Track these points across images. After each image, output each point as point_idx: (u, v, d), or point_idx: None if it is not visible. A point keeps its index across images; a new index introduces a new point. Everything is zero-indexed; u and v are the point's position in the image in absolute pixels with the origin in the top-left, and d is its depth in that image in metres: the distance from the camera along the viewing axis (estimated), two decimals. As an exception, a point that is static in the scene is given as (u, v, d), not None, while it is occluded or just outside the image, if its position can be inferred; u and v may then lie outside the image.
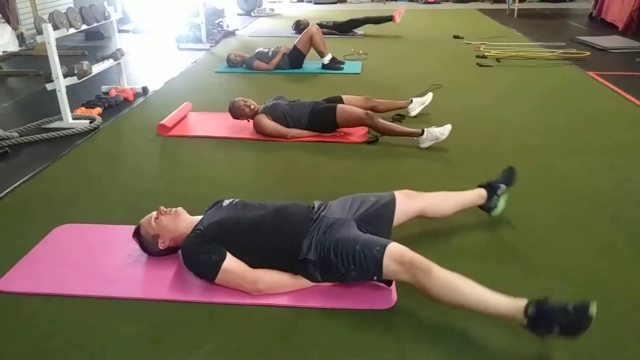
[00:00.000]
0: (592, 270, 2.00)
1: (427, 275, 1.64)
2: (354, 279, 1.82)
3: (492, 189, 2.31)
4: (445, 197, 2.24)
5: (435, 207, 2.18)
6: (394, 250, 1.74)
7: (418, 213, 2.13)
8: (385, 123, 3.30)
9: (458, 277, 1.64)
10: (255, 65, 5.27)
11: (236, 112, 3.53)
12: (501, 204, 2.31)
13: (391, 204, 2.06)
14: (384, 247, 1.75)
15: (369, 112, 3.32)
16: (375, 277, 1.78)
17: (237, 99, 3.55)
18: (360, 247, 1.78)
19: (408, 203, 2.10)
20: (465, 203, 2.26)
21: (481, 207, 2.31)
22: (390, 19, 7.15)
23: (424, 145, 3.16)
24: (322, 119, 3.39)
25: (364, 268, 1.76)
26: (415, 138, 3.19)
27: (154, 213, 2.03)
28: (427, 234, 2.27)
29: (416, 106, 3.77)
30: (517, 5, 9.20)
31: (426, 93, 3.84)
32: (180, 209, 2.05)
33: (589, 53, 5.73)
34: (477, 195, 2.29)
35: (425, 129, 3.15)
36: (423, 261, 1.68)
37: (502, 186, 2.32)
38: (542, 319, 1.51)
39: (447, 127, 3.14)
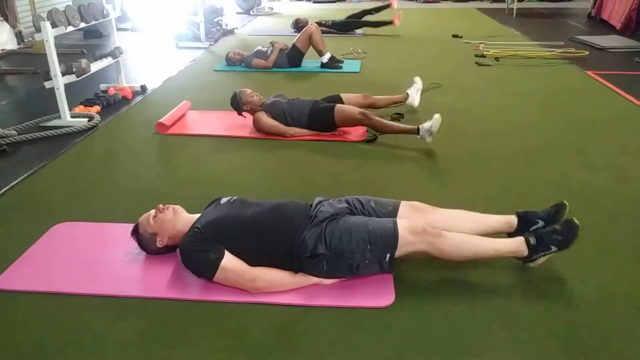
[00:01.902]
0: (591, 269, 2.00)
1: (441, 238, 1.82)
2: (367, 264, 1.84)
3: (525, 222, 2.01)
4: (463, 217, 2.02)
5: (447, 227, 1.91)
6: (406, 222, 1.87)
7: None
8: (382, 121, 3.30)
9: (463, 234, 1.88)
10: (254, 64, 5.27)
11: (243, 100, 3.49)
12: (540, 260, 1.91)
13: (392, 215, 1.98)
14: (394, 222, 1.86)
15: (366, 112, 3.32)
16: (388, 255, 1.82)
17: (243, 89, 3.55)
18: (374, 227, 1.85)
19: (412, 217, 1.95)
20: (488, 228, 2.00)
21: (510, 235, 2.01)
22: (389, 22, 7.14)
23: (428, 140, 3.16)
24: (321, 119, 3.39)
25: (380, 246, 1.82)
26: (417, 136, 3.19)
27: (152, 211, 2.03)
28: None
29: (414, 96, 3.83)
30: (516, 5, 9.20)
31: (411, 84, 3.93)
32: (178, 206, 2.05)
33: (587, 52, 5.73)
34: (505, 222, 2.02)
35: (419, 126, 3.16)
36: (432, 228, 1.85)
37: (540, 222, 2.00)
38: (542, 243, 1.85)
39: (435, 117, 3.12)
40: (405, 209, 2.01)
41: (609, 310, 1.78)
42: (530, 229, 1.99)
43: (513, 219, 2.02)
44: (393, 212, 2.00)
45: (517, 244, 1.88)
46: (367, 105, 3.64)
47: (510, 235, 2.01)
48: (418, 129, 3.16)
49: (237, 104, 3.53)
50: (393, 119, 3.56)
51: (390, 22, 7.13)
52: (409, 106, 3.84)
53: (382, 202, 2.06)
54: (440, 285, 1.91)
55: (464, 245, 1.86)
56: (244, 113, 3.55)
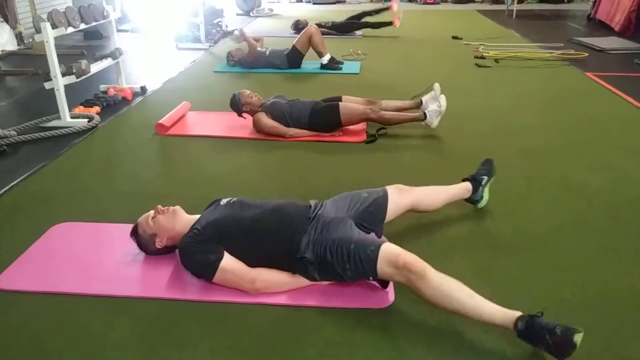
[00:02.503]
0: (590, 269, 2.01)
1: (422, 280, 1.64)
2: (351, 279, 1.83)
3: (476, 182, 2.38)
4: (435, 190, 2.29)
5: (426, 201, 2.22)
6: (389, 252, 1.73)
7: (409, 207, 2.16)
8: (390, 114, 3.32)
9: (453, 283, 1.64)
10: (249, 51, 5.28)
11: (242, 101, 3.48)
12: (486, 195, 2.40)
13: (384, 200, 2.08)
14: (378, 247, 1.75)
15: (372, 107, 3.32)
16: (371, 278, 1.78)
17: (242, 90, 3.54)
18: (355, 247, 1.78)
19: (400, 197, 2.13)
20: (454, 196, 2.33)
21: (468, 200, 2.38)
22: (389, 23, 7.15)
23: (434, 124, 3.15)
24: (325, 118, 3.38)
25: (359, 268, 1.77)
26: (423, 123, 3.18)
27: (152, 212, 2.03)
28: (419, 233, 2.27)
29: (434, 118, 3.34)
30: (515, 6, 9.21)
31: (429, 91, 3.51)
32: (177, 207, 2.05)
33: (587, 54, 5.74)
34: (464, 188, 2.36)
35: (426, 111, 3.15)
36: (417, 265, 1.67)
37: (485, 178, 2.40)
38: (530, 335, 1.55)
39: (442, 97, 3.11)
40: (394, 193, 2.13)
41: (610, 310, 1.78)
42: (482, 184, 2.36)
43: (468, 184, 2.37)
44: (384, 197, 2.08)
45: (505, 320, 1.59)
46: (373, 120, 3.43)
47: (468, 199, 2.36)
48: (424, 114, 3.15)
49: (237, 105, 3.53)
50: (379, 130, 3.42)
51: (390, 23, 7.14)
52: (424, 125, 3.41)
53: (372, 191, 2.13)
54: (439, 286, 1.90)
55: (445, 296, 1.62)
56: (244, 114, 3.55)
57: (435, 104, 3.14)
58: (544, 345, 1.52)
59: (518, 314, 1.58)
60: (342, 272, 1.80)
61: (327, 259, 1.81)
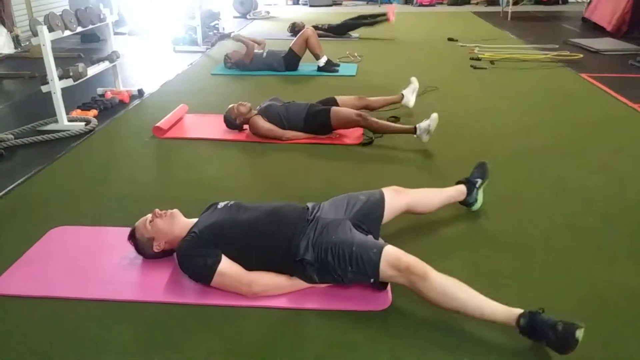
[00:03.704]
0: (586, 270, 2.02)
1: (424, 281, 1.67)
2: (351, 281, 1.83)
3: (471, 184, 2.41)
4: (430, 193, 2.32)
5: (421, 203, 2.24)
6: (391, 254, 1.75)
7: (405, 209, 2.18)
8: (379, 122, 3.32)
9: (455, 283, 1.67)
10: (247, 52, 5.29)
11: (233, 116, 3.50)
12: (480, 198, 2.42)
13: (381, 201, 2.09)
14: (380, 250, 1.76)
15: (362, 113, 3.34)
16: (372, 280, 1.79)
17: (228, 107, 3.55)
18: (357, 249, 1.79)
19: (396, 199, 2.14)
20: (448, 198, 2.35)
21: (462, 202, 2.41)
22: (384, 19, 7.17)
23: (424, 139, 3.18)
24: (317, 122, 3.40)
25: (361, 270, 1.78)
26: (414, 136, 3.21)
27: (149, 215, 2.03)
28: (417, 236, 2.28)
29: (409, 96, 3.84)
30: (510, 8, 9.24)
31: (408, 85, 3.94)
32: (175, 211, 2.06)
33: (581, 55, 5.77)
34: (458, 191, 2.39)
35: (416, 126, 3.19)
36: (419, 266, 1.70)
37: (479, 180, 2.43)
38: (532, 331, 1.58)
39: (433, 117, 3.16)
40: (390, 195, 2.14)
41: (605, 311, 1.79)
42: (476, 187, 2.39)
43: (462, 187, 2.39)
44: (381, 199, 2.10)
45: (507, 317, 1.62)
46: (362, 107, 3.66)
47: (462, 202, 2.39)
48: (415, 128, 3.19)
49: (232, 123, 3.52)
50: (389, 122, 3.57)
51: (386, 19, 7.17)
52: (405, 107, 3.85)
53: (369, 193, 2.14)
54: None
55: (447, 296, 1.65)
56: (244, 126, 3.55)
57: (425, 123, 3.16)
58: (546, 341, 1.56)
59: (519, 311, 1.61)
60: (342, 274, 1.81)
61: (329, 260, 1.82)
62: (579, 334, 1.51)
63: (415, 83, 3.92)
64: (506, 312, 1.62)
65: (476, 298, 1.65)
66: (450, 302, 1.65)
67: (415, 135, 3.20)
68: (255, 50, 5.41)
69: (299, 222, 1.94)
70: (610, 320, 1.75)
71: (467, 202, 2.40)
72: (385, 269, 1.74)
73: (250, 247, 1.89)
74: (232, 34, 5.45)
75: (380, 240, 1.97)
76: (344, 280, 1.83)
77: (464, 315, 1.66)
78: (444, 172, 2.97)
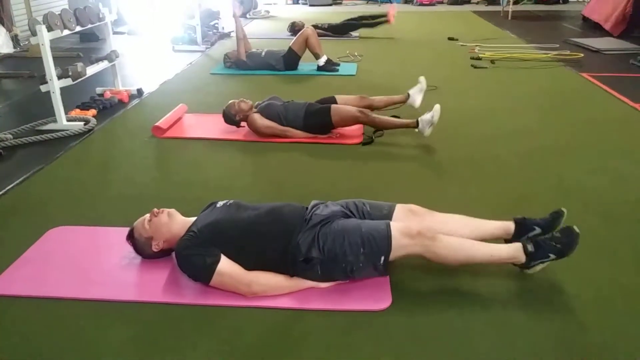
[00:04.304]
0: (587, 270, 2.01)
1: (436, 241, 1.78)
2: (361, 268, 1.82)
3: (523, 228, 1.97)
4: (461, 222, 1.98)
5: (445, 232, 1.88)
6: (400, 225, 1.84)
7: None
8: (381, 118, 3.32)
9: (459, 238, 1.84)
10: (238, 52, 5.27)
11: (233, 112, 3.48)
12: (538, 269, 1.88)
13: (387, 218, 1.95)
14: (388, 224, 1.83)
15: (363, 109, 3.33)
16: (382, 258, 1.80)
17: (228, 103, 3.54)
18: (367, 230, 1.83)
19: (408, 220, 1.94)
20: (486, 234, 1.97)
21: (507, 241, 2.00)
22: (385, 21, 7.17)
23: (426, 133, 3.17)
24: (318, 120, 3.39)
25: (374, 249, 1.80)
26: (416, 130, 3.20)
27: (147, 215, 2.02)
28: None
29: (416, 96, 3.67)
30: (511, 7, 9.24)
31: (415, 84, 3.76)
32: (173, 210, 2.05)
33: (582, 55, 5.76)
34: (503, 228, 1.99)
35: (418, 119, 3.18)
36: (428, 230, 1.82)
37: (537, 229, 1.97)
38: (540, 251, 1.79)
39: (436, 108, 3.15)
40: (401, 212, 1.99)
41: (606, 312, 1.78)
42: (527, 235, 1.96)
43: (510, 225, 1.99)
44: (388, 216, 1.98)
45: (514, 251, 1.83)
46: (365, 106, 3.56)
47: (507, 241, 1.99)
48: (417, 121, 3.18)
49: (231, 119, 3.51)
50: (376, 134, 3.46)
51: (386, 21, 7.16)
52: (410, 106, 3.72)
53: (377, 205, 2.04)
54: (437, 289, 1.91)
55: (459, 249, 1.82)
56: (242, 123, 3.54)
57: (428, 115, 3.15)
58: (554, 252, 1.78)
59: (519, 244, 1.83)
60: (354, 260, 1.81)
61: (337, 251, 1.81)
62: (576, 228, 1.79)
63: (423, 82, 3.73)
64: (511, 247, 1.84)
65: (482, 244, 1.85)
66: (462, 254, 1.81)
67: (417, 130, 3.18)
68: (253, 50, 5.40)
69: (297, 222, 1.93)
70: (612, 320, 1.74)
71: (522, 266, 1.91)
72: (399, 238, 1.79)
73: (249, 245, 1.88)
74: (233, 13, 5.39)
75: None
76: (354, 268, 1.82)
77: (479, 261, 1.83)
78: (444, 171, 2.96)
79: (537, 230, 1.96)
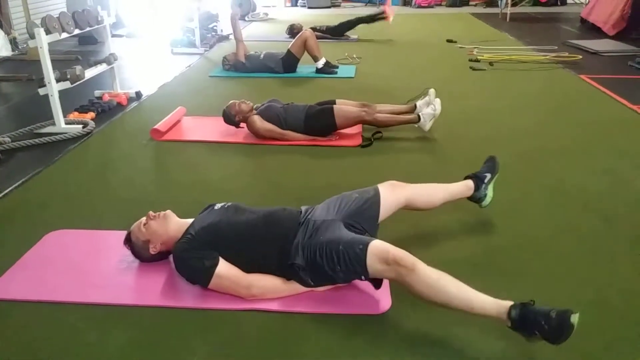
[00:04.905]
0: (587, 272, 2.01)
1: (412, 274, 1.63)
2: (343, 280, 1.82)
3: (479, 179, 2.31)
4: (432, 187, 2.22)
5: (422, 197, 2.15)
6: (378, 248, 1.71)
7: (404, 203, 2.10)
8: (385, 116, 3.33)
9: (443, 276, 1.64)
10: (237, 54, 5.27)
11: (233, 112, 3.46)
12: (489, 193, 2.32)
13: (375, 198, 2.04)
14: (366, 245, 1.72)
15: (367, 109, 3.33)
16: (362, 277, 1.76)
17: (228, 103, 3.53)
18: (344, 247, 1.76)
19: (393, 194, 2.08)
20: (454, 194, 2.26)
21: (470, 198, 2.31)
22: (382, 18, 7.17)
23: (427, 127, 3.17)
24: (319, 122, 3.37)
25: (349, 268, 1.75)
26: (416, 125, 3.20)
27: (143, 219, 2.02)
28: (416, 238, 2.27)
29: (427, 121, 3.33)
30: (509, 10, 9.25)
31: (424, 96, 3.58)
32: (168, 212, 2.04)
33: (581, 56, 5.76)
34: (465, 186, 2.29)
35: (420, 114, 3.17)
36: (407, 259, 1.66)
37: (488, 175, 2.32)
38: (524, 323, 1.52)
39: (437, 101, 3.14)
40: (385, 189, 2.09)
41: (607, 313, 1.78)
42: (485, 181, 2.30)
43: (470, 182, 2.29)
44: (375, 195, 2.04)
45: (497, 310, 1.57)
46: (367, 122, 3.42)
47: (471, 198, 2.29)
48: (419, 116, 3.17)
49: (230, 119, 3.50)
50: (374, 134, 3.41)
51: (384, 18, 7.16)
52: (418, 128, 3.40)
53: (363, 191, 2.10)
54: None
55: (435, 289, 1.62)
56: (241, 124, 3.53)
57: (429, 108, 3.16)
58: (540, 332, 1.50)
59: (510, 303, 1.57)
60: (333, 274, 1.78)
61: (317, 262, 1.79)
62: (574, 319, 1.46)
63: (437, 106, 3.32)
64: (496, 304, 1.58)
65: (465, 292, 1.61)
66: (438, 295, 1.61)
67: (417, 125, 3.18)
68: (251, 52, 5.39)
69: (291, 225, 1.92)
70: (612, 322, 1.74)
71: (475, 198, 2.31)
72: (373, 263, 1.69)
73: (246, 249, 1.88)
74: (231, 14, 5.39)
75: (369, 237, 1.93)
76: (337, 280, 1.81)
77: (453, 309, 1.61)
78: (443, 172, 2.94)
79: (489, 175, 2.32)
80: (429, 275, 1.63)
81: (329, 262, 1.77)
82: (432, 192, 2.20)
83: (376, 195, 2.06)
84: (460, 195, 2.28)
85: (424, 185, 2.20)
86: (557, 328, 1.47)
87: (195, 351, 1.63)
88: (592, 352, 1.60)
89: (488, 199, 2.33)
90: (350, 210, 2.00)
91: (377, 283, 1.81)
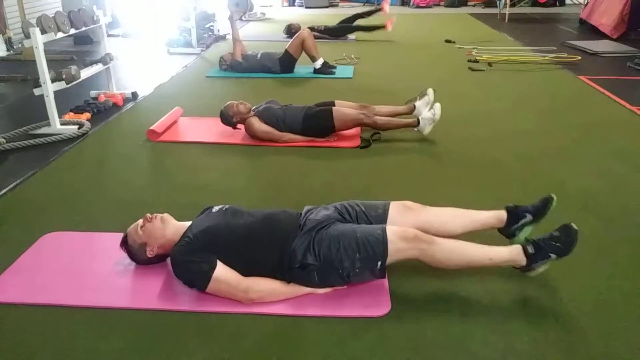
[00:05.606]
0: (586, 275, 1.99)
1: (433, 245, 1.76)
2: (358, 273, 1.80)
3: (515, 216, 2.01)
4: (453, 214, 2.02)
5: (439, 224, 1.95)
6: (397, 229, 1.80)
7: (417, 229, 1.86)
8: (383, 119, 3.31)
9: (458, 241, 1.81)
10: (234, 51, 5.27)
11: (231, 113, 3.43)
12: (522, 236, 1.99)
13: (382, 217, 1.96)
14: (383, 229, 1.79)
15: (366, 111, 3.31)
16: (379, 263, 1.77)
17: (226, 103, 3.50)
18: (362, 235, 1.79)
19: (404, 217, 1.95)
20: (479, 224, 2.01)
21: (500, 231, 2.05)
22: (382, 27, 7.16)
23: (426, 131, 3.15)
24: (318, 123, 3.35)
25: (369, 254, 1.76)
26: (415, 129, 3.18)
27: (140, 221, 1.99)
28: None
29: (427, 125, 3.28)
30: (508, 10, 9.25)
31: (422, 96, 3.57)
32: (166, 214, 2.01)
33: (579, 57, 5.76)
34: (496, 218, 2.03)
35: (419, 117, 3.16)
36: (424, 234, 1.78)
37: (528, 217, 2.00)
38: (540, 252, 1.77)
39: (437, 106, 3.13)
40: (396, 209, 1.99)
41: (606, 317, 1.76)
42: (520, 222, 2.00)
43: (503, 214, 2.03)
44: (383, 215, 1.97)
45: (514, 253, 1.80)
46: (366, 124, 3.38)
47: (500, 230, 2.04)
48: (418, 120, 3.16)
49: (228, 120, 3.46)
50: (373, 136, 3.40)
51: (383, 27, 7.15)
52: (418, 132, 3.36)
53: (372, 205, 2.03)
54: (436, 294, 1.88)
55: (457, 253, 1.79)
56: (238, 125, 3.50)
57: (429, 112, 3.14)
58: (554, 252, 1.76)
59: (518, 246, 1.81)
60: (350, 265, 1.77)
61: (333, 256, 1.78)
62: (574, 225, 1.77)
63: (437, 111, 3.29)
64: (509, 249, 1.81)
65: (481, 247, 1.81)
66: (461, 257, 1.79)
67: (416, 129, 3.16)
68: (249, 52, 5.37)
69: (291, 228, 1.90)
70: (612, 324, 1.72)
71: (504, 233, 2.03)
72: (395, 242, 1.75)
73: (244, 252, 1.85)
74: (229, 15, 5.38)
75: None
76: (350, 274, 1.80)
77: (476, 265, 1.81)
78: (442, 174, 2.93)
79: (528, 217, 2.00)
80: (447, 242, 1.79)
81: (347, 252, 1.77)
82: (449, 220, 1.99)
83: (384, 214, 1.96)
84: (487, 226, 2.03)
85: (443, 210, 2.02)
86: (567, 239, 1.77)
87: (192, 355, 1.61)
88: (593, 352, 1.59)
89: (518, 240, 1.99)
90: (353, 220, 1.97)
91: (382, 273, 1.81)
